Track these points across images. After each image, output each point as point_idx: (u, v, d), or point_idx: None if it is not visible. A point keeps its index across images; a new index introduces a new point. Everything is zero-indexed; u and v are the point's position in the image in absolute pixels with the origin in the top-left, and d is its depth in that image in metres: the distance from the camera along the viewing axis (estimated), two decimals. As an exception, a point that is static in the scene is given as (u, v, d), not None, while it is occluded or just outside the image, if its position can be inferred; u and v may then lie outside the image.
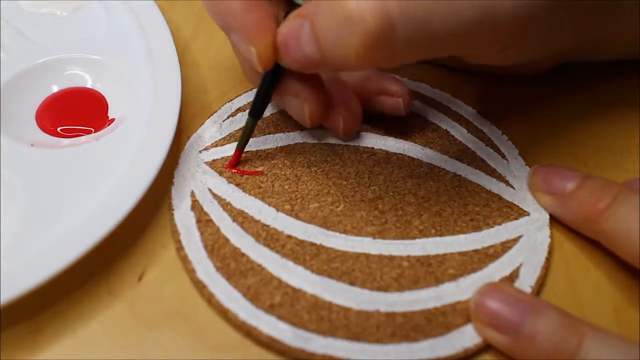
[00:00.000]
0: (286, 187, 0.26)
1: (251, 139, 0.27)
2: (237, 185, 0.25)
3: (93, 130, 0.27)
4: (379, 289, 0.23)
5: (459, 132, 0.28)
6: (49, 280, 0.21)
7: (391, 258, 0.24)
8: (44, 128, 0.27)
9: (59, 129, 0.27)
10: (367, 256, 0.24)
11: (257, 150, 0.27)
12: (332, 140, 0.27)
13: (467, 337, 0.22)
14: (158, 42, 0.29)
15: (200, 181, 0.26)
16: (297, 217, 0.25)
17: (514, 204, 0.26)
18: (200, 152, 0.27)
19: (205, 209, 0.25)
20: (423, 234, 0.24)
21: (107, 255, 0.23)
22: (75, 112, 0.28)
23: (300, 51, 0.21)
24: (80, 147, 0.25)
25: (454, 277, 0.23)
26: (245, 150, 0.27)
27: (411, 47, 0.20)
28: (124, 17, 0.30)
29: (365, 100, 0.27)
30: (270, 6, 0.23)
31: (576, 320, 0.20)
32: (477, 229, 0.25)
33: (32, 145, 0.26)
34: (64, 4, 0.31)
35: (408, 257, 0.24)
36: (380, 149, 0.27)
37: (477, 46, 0.23)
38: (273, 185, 0.26)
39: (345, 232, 0.24)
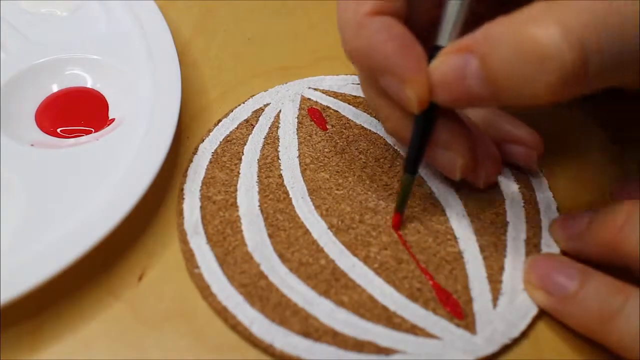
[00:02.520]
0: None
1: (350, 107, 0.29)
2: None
3: (93, 130, 0.27)
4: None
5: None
6: (49, 280, 0.21)
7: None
8: (44, 128, 0.27)
9: (59, 130, 0.27)
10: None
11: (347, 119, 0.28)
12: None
13: None
14: (158, 42, 0.29)
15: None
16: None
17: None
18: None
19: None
20: None
21: (107, 255, 0.23)
22: (75, 112, 0.28)
23: (465, 89, 0.20)
24: (80, 147, 0.25)
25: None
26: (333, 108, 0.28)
27: (601, 77, 0.19)
28: (124, 17, 0.30)
29: None
30: (421, 46, 0.21)
31: (623, 283, 0.21)
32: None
33: (32, 145, 0.26)
34: (64, 4, 0.31)
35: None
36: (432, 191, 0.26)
37: None
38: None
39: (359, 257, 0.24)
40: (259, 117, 0.28)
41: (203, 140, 0.27)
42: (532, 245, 0.24)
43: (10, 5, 0.31)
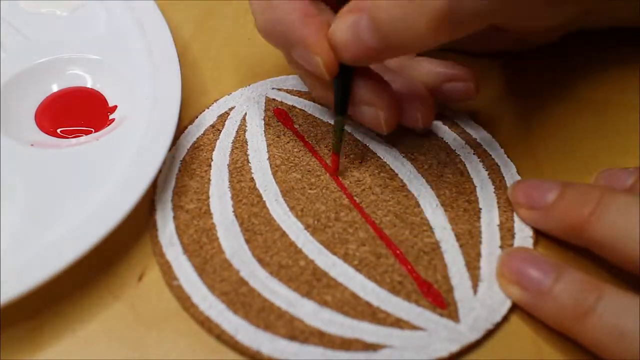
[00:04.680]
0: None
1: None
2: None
3: (93, 130, 0.27)
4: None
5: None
6: (49, 280, 0.21)
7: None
8: (44, 128, 0.27)
9: (59, 130, 0.27)
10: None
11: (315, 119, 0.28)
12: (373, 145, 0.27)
13: None
14: (158, 42, 0.29)
15: None
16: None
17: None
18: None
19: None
20: None
21: (107, 255, 0.23)
22: (75, 112, 0.28)
23: (361, 45, 0.21)
24: (80, 147, 0.25)
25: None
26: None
27: (477, 16, 0.20)
28: (124, 17, 0.30)
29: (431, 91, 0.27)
30: (324, 13, 0.23)
31: (597, 280, 0.21)
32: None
33: (32, 145, 0.26)
34: (64, 4, 0.31)
35: None
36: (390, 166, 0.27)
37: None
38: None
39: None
40: (225, 121, 0.28)
41: (170, 149, 0.26)
42: (506, 229, 0.25)
43: (10, 5, 0.31)
